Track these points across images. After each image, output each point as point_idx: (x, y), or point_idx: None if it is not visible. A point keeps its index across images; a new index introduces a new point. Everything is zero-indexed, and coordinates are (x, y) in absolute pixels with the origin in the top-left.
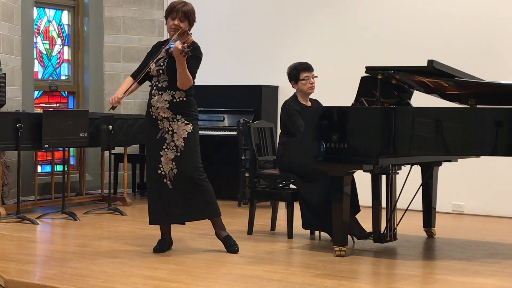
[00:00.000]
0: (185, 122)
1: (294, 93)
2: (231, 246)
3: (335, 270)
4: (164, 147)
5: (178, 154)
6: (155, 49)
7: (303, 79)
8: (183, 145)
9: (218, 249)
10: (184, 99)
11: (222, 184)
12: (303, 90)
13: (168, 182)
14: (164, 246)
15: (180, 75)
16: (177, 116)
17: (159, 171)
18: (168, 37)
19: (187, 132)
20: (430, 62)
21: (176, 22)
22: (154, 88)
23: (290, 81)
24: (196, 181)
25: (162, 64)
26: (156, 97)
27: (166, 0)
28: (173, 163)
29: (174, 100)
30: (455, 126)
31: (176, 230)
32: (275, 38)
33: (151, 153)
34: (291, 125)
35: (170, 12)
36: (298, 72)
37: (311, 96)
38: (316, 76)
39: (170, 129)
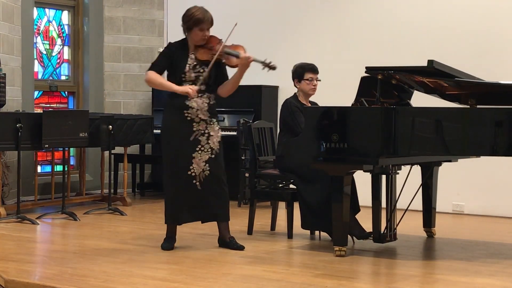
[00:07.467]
0: (218, 125)
1: (295, 93)
2: (236, 244)
3: (335, 270)
4: (197, 149)
5: (213, 156)
6: (178, 51)
7: (308, 79)
8: (218, 147)
9: (218, 249)
10: (215, 102)
11: None
12: (305, 90)
13: (198, 183)
14: (173, 244)
15: (238, 84)
16: (212, 119)
17: (189, 172)
18: (190, 43)
19: (220, 136)
20: (430, 62)
21: (207, 33)
22: None
23: (293, 78)
24: (223, 182)
25: (201, 70)
26: (195, 98)
27: (166, 0)
28: (207, 164)
29: (210, 103)
30: (455, 126)
31: (177, 230)
32: (275, 38)
33: (181, 155)
34: (292, 122)
35: (202, 22)
36: (304, 71)
37: (311, 98)
38: (319, 80)
39: (206, 131)
